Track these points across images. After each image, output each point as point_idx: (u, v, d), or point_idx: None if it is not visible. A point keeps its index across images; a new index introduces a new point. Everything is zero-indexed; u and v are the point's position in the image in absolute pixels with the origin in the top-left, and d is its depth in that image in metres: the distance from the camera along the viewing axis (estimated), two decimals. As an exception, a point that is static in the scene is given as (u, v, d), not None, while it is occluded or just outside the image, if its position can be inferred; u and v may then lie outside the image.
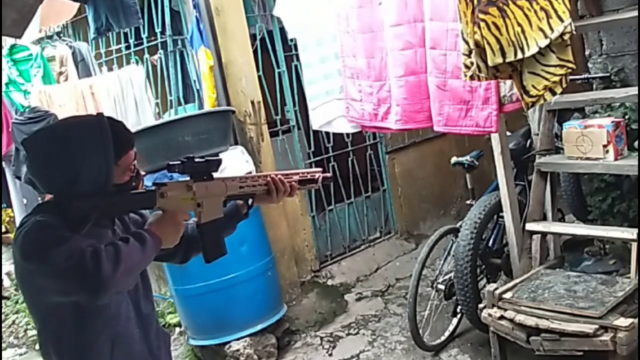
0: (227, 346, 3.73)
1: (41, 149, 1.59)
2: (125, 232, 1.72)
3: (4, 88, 4.69)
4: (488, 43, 2.08)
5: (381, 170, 5.23)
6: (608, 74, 3.79)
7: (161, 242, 1.60)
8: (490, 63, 2.11)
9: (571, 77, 2.36)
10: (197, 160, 1.64)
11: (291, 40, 3.91)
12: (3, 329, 5.07)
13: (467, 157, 3.70)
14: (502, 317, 2.83)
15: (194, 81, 4.28)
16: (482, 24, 2.06)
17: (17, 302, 5.38)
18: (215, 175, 1.70)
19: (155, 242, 1.59)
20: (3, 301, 5.42)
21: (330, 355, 3.83)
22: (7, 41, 4.57)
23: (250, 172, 3.77)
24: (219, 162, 1.69)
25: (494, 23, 2.07)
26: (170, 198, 1.60)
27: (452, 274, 3.41)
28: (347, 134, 4.69)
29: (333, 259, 4.82)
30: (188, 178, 1.65)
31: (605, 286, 2.75)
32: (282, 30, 4.00)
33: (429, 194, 5.45)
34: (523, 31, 2.09)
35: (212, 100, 3.96)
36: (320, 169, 1.93)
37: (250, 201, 1.81)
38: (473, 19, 2.09)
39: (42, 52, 4.67)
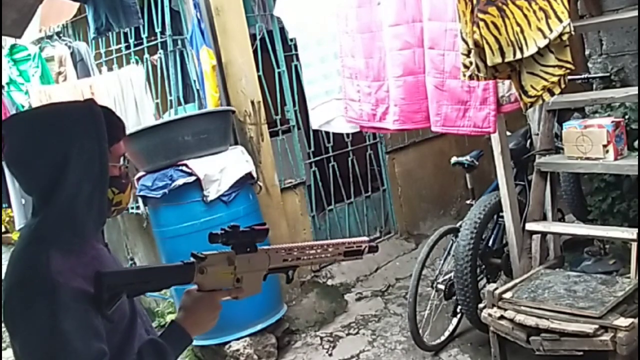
0: (227, 346, 3.73)
1: (24, 132, 1.36)
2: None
3: (5, 88, 4.70)
4: (487, 43, 2.08)
5: (381, 170, 5.23)
6: (608, 74, 3.79)
7: (191, 338, 1.43)
8: (489, 63, 2.11)
9: (571, 77, 2.36)
10: (242, 230, 1.45)
11: (291, 40, 3.91)
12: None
13: (467, 157, 3.70)
14: (502, 317, 2.83)
15: (194, 81, 4.28)
16: (482, 24, 2.06)
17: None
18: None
19: (182, 343, 1.41)
20: (3, 301, 5.42)
21: (330, 355, 3.83)
22: (7, 41, 4.57)
23: (249, 172, 3.79)
24: (266, 232, 1.50)
25: (493, 23, 2.07)
26: (210, 273, 1.40)
27: (452, 274, 3.41)
28: (347, 134, 4.70)
29: (333, 258, 4.81)
30: (229, 249, 1.44)
31: (605, 286, 2.75)
32: (282, 30, 4.00)
33: (429, 194, 5.45)
34: (522, 31, 2.09)
35: (215, 100, 3.96)
36: (366, 239, 1.68)
37: (291, 273, 1.58)
38: (472, 18, 2.09)
39: (40, 52, 4.67)
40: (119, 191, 1.48)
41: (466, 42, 2.16)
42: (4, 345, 4.90)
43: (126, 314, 1.41)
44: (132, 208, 4.51)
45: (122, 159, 1.50)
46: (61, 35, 4.87)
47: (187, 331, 1.42)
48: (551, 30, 2.08)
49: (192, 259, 1.40)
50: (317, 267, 4.64)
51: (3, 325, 1.38)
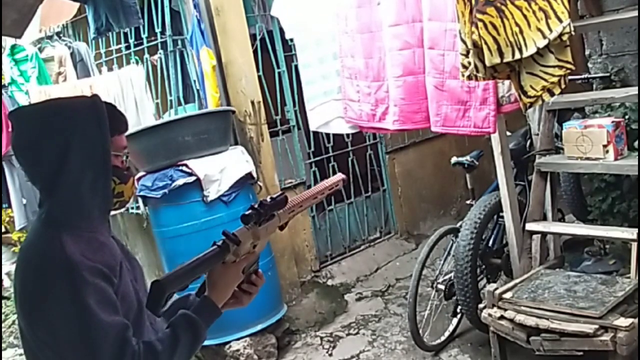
0: (227, 346, 3.73)
1: (29, 121, 1.43)
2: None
3: (11, 87, 4.71)
4: (485, 43, 2.07)
5: (381, 170, 5.23)
6: (608, 74, 3.79)
7: (220, 311, 1.50)
8: (487, 63, 2.10)
9: (571, 77, 2.36)
10: (268, 204, 1.52)
11: (291, 40, 3.92)
12: (3, 329, 5.07)
13: (467, 157, 3.70)
14: (502, 317, 2.83)
15: (194, 81, 4.28)
16: (480, 24, 2.06)
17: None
18: None
19: (212, 316, 1.48)
20: (3, 301, 5.43)
21: (330, 355, 3.83)
22: (8, 41, 4.58)
23: (249, 172, 3.78)
24: (286, 199, 1.57)
25: (491, 23, 2.07)
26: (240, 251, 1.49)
27: (452, 274, 3.41)
28: (347, 134, 4.70)
29: (333, 259, 4.82)
30: (252, 224, 1.52)
31: (605, 286, 2.75)
32: (282, 30, 4.00)
33: (429, 194, 5.45)
34: (521, 31, 2.09)
35: (216, 100, 3.96)
36: (340, 176, 1.81)
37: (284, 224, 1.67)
38: (471, 19, 2.09)
39: (37, 52, 4.68)
40: (121, 181, 1.51)
41: (465, 43, 2.16)
42: (4, 345, 4.91)
43: (134, 305, 1.44)
44: (132, 208, 4.51)
45: (124, 151, 1.54)
46: (61, 35, 4.87)
47: (216, 304, 1.48)
48: (551, 31, 2.07)
49: (223, 239, 1.46)
50: (317, 267, 4.64)
51: (17, 317, 1.42)
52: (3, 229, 5.99)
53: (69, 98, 1.59)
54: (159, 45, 4.23)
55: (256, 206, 1.51)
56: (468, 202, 3.76)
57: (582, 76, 3.83)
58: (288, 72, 4.53)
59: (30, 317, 1.37)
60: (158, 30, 4.19)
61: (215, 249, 1.45)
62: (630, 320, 2.49)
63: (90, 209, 1.43)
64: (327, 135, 4.74)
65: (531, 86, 2.17)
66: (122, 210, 4.29)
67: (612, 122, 2.96)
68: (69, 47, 4.70)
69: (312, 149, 4.75)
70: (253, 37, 4.37)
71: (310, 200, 1.69)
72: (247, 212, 1.50)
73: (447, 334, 3.60)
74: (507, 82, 2.53)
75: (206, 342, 3.77)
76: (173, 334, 1.41)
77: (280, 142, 4.56)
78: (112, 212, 1.59)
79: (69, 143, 1.37)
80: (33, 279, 1.35)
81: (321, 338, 4.03)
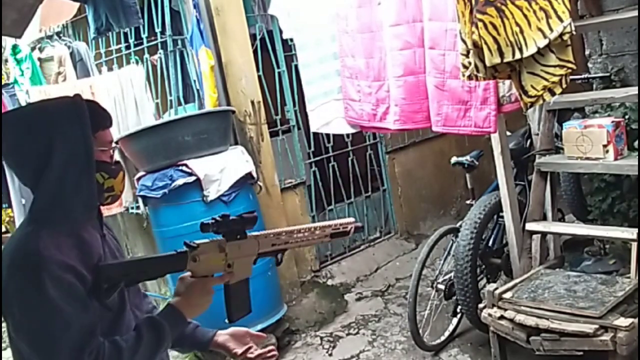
0: (227, 346, 3.72)
1: (14, 125, 1.46)
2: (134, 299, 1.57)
3: (14, 87, 4.71)
4: (485, 43, 2.07)
5: (381, 170, 5.23)
6: (608, 74, 3.79)
7: (186, 320, 1.54)
8: (487, 63, 2.10)
9: (571, 77, 2.36)
10: (232, 218, 1.54)
11: (291, 40, 3.92)
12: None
13: (467, 157, 3.70)
14: (502, 317, 2.83)
15: (194, 81, 4.28)
16: (480, 24, 2.06)
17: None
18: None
19: (178, 323, 1.52)
20: (3, 301, 5.42)
21: (330, 355, 3.83)
22: (8, 41, 4.57)
23: (249, 172, 3.79)
24: (255, 219, 1.58)
25: (491, 23, 2.07)
26: (202, 261, 1.51)
27: (452, 274, 3.41)
28: (347, 134, 4.70)
29: (333, 258, 4.82)
30: (220, 237, 1.54)
31: (605, 286, 2.75)
32: (282, 30, 4.01)
33: (429, 194, 5.45)
34: (522, 31, 2.09)
35: (214, 100, 3.96)
36: (352, 220, 1.74)
37: (279, 256, 1.64)
38: (471, 19, 2.09)
39: (31, 52, 4.68)
40: (109, 176, 1.54)
41: (465, 43, 2.16)
42: (3, 345, 4.91)
43: (115, 304, 1.47)
44: (132, 208, 4.51)
45: (111, 145, 1.57)
46: (61, 35, 4.87)
47: (183, 313, 1.52)
48: (552, 30, 2.07)
49: (185, 248, 1.50)
50: (317, 267, 4.64)
51: (3, 323, 1.43)
52: (3, 229, 5.99)
53: (51, 100, 1.60)
54: (159, 45, 4.23)
55: (217, 217, 1.53)
56: (468, 202, 3.76)
57: (582, 76, 3.83)
58: (288, 72, 4.53)
59: (6, 313, 1.40)
60: (158, 30, 4.19)
61: (172, 252, 1.50)
62: (630, 320, 2.49)
63: (73, 206, 1.45)
64: (327, 135, 4.74)
65: (532, 86, 2.17)
66: (120, 208, 4.29)
67: (612, 122, 2.96)
68: (69, 47, 4.70)
69: (312, 149, 4.76)
70: (253, 37, 4.37)
71: (302, 233, 1.62)
72: (205, 221, 1.52)
73: (447, 333, 3.60)
74: (507, 81, 2.53)
75: (206, 342, 3.79)
76: (137, 334, 1.46)
77: (280, 142, 4.56)
78: (112, 210, 1.63)
79: (51, 144, 1.41)
80: (8, 275, 1.37)
81: (321, 338, 4.04)
